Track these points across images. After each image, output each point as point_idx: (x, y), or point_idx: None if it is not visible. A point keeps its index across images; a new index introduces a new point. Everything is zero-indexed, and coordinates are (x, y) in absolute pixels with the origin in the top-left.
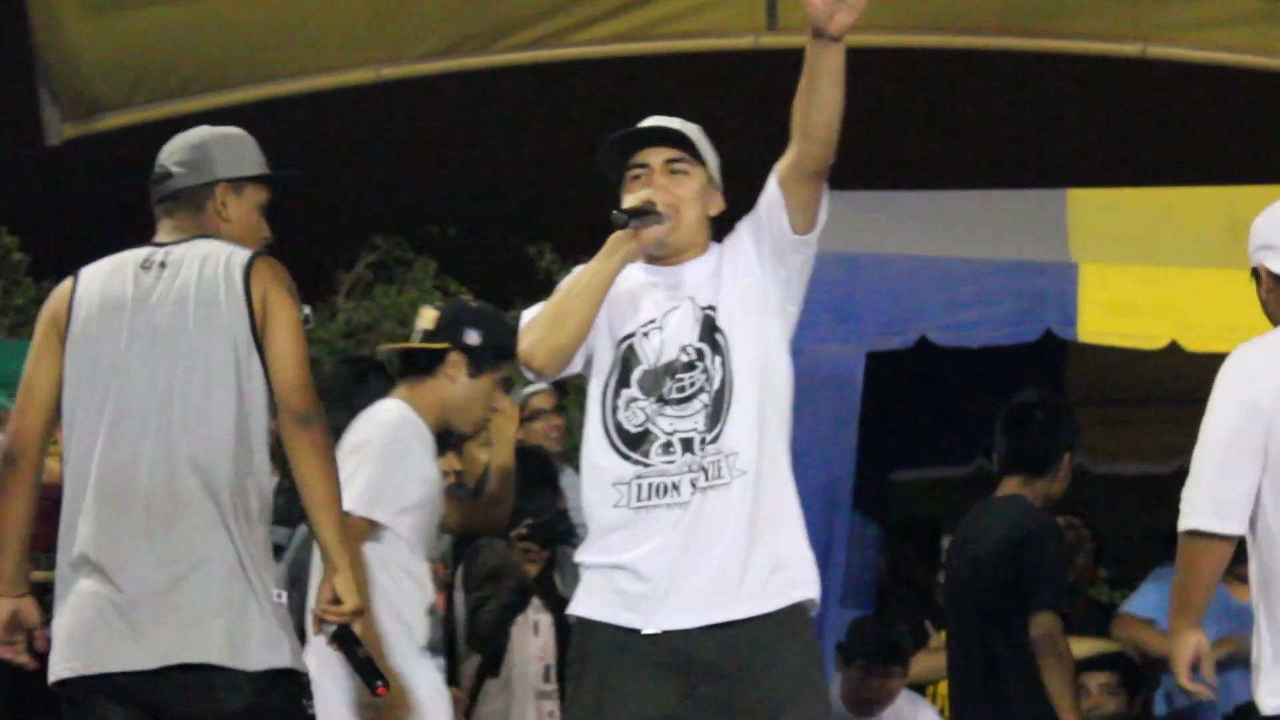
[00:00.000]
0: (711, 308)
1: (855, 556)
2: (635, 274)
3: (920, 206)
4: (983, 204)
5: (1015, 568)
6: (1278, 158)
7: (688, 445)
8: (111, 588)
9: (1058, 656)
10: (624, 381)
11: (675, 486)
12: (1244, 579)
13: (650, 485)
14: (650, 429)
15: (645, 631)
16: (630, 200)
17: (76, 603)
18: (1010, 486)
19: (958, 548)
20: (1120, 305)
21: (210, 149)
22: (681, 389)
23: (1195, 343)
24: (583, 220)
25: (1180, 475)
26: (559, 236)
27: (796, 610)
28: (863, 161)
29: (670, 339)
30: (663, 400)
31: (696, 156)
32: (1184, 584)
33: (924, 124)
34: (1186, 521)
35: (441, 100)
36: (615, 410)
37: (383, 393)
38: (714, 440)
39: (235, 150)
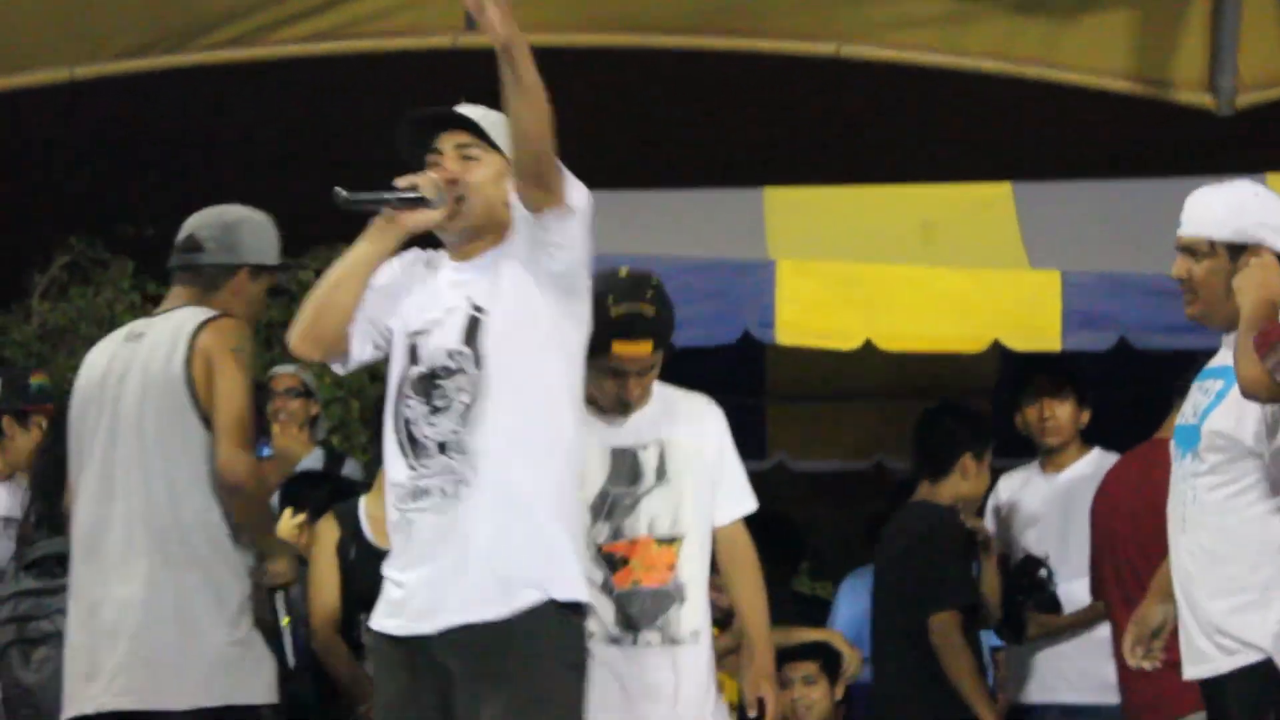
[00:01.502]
0: (480, 309)
1: None
2: (443, 268)
3: (617, 205)
4: (680, 203)
5: (913, 569)
6: (970, 158)
7: (443, 449)
8: None
9: (955, 654)
10: (405, 381)
11: (428, 491)
12: None
13: (415, 489)
14: (415, 432)
15: (398, 635)
16: (400, 184)
17: None
18: (921, 491)
19: (879, 551)
20: (817, 304)
21: (243, 232)
22: (443, 394)
23: (888, 341)
24: (287, 213)
25: (879, 470)
26: None
27: (538, 613)
28: (562, 161)
29: (440, 342)
30: (429, 404)
31: (490, 142)
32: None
33: (619, 124)
34: None
35: (138, 99)
36: (398, 411)
37: None
38: (464, 445)
39: (264, 237)
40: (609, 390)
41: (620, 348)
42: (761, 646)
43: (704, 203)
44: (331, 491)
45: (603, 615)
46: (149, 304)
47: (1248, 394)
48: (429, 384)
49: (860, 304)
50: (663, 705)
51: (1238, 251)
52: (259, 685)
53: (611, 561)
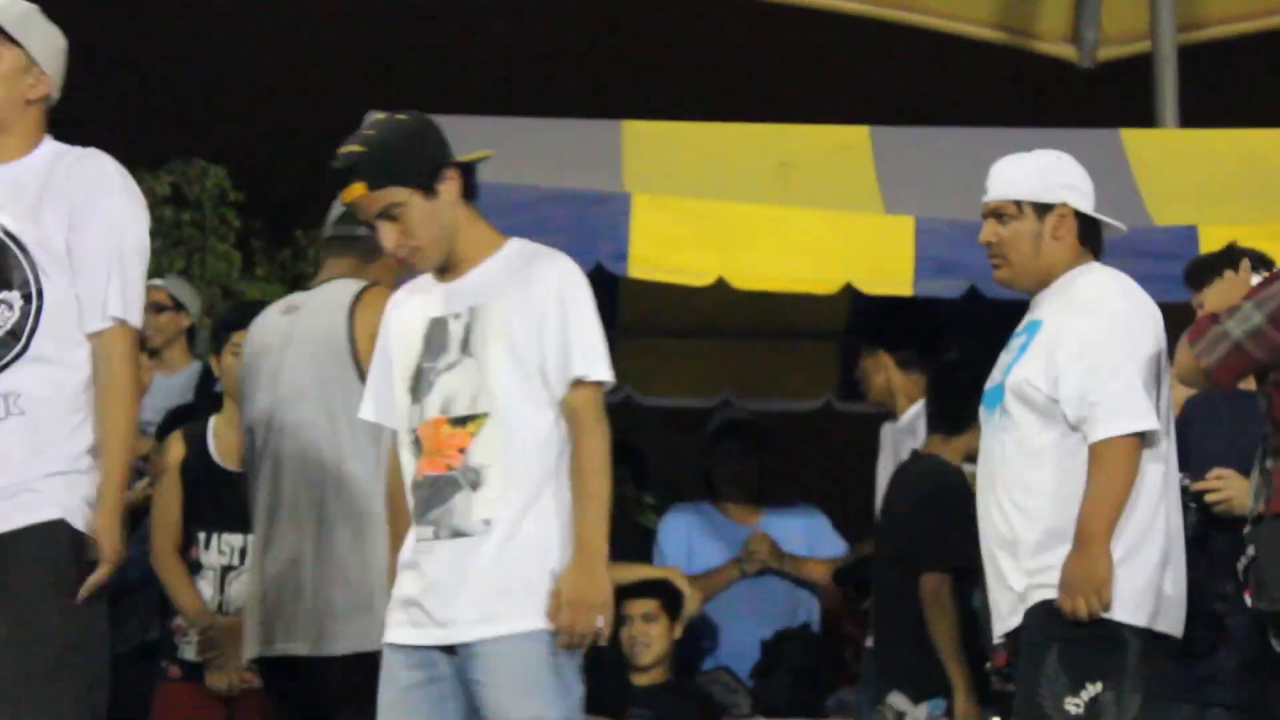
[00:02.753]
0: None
1: None
2: None
3: (475, 131)
4: (538, 131)
5: (914, 528)
6: (830, 98)
7: None
8: None
9: (940, 615)
10: None
11: None
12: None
13: None
14: None
15: None
16: None
17: None
18: (932, 444)
19: (884, 504)
20: (671, 239)
21: None
22: None
23: (741, 280)
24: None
25: (725, 407)
26: (112, 145)
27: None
28: (422, 83)
29: None
30: None
31: (7, 36)
32: (1121, 491)
33: (482, 53)
34: (1129, 424)
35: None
36: None
37: None
38: None
39: None
40: None
41: (343, 198)
42: (580, 563)
43: (562, 132)
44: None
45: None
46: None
47: (1183, 381)
48: None
49: (714, 241)
50: (439, 602)
51: (1044, 210)
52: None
53: (418, 447)
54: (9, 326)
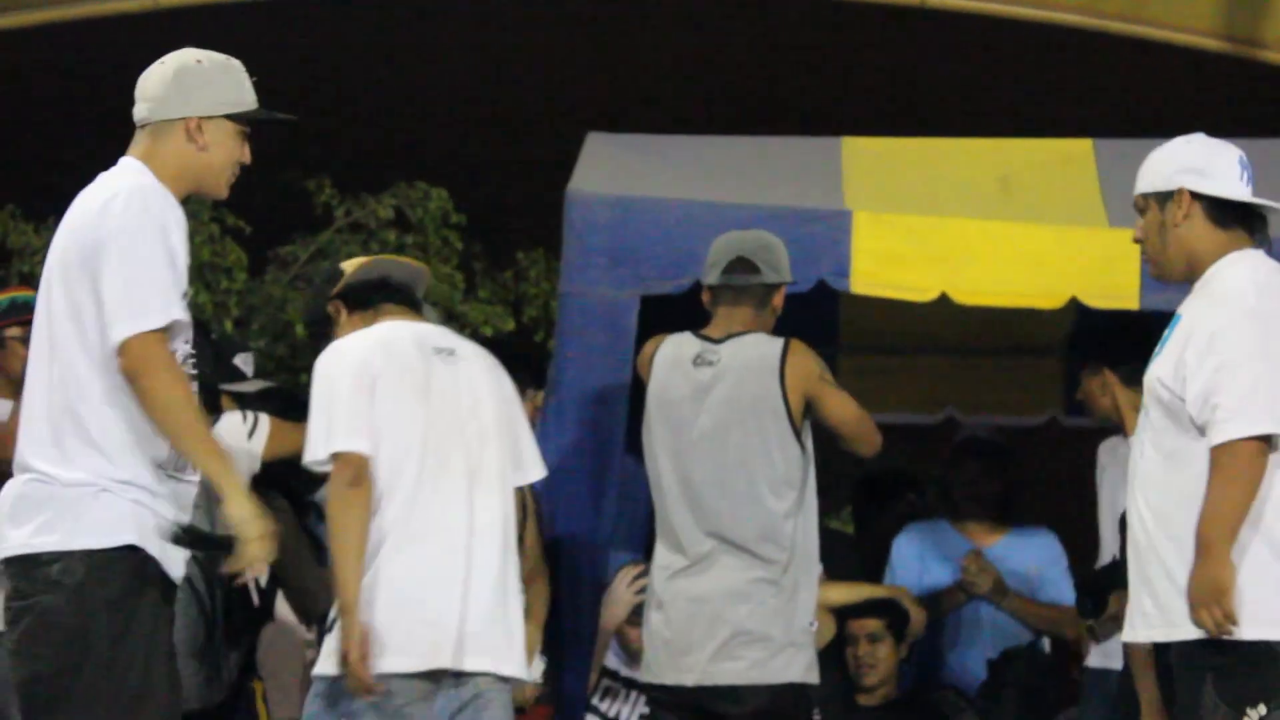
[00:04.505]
0: None
1: (627, 503)
2: None
3: (695, 151)
4: (758, 150)
5: None
6: (1050, 111)
7: None
8: None
9: None
10: None
11: None
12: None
13: None
14: None
15: None
16: None
17: None
18: None
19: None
20: (892, 256)
21: (782, 254)
22: None
23: (964, 295)
24: (360, 153)
25: (948, 425)
26: (337, 171)
27: None
28: (639, 104)
29: None
30: None
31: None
32: (1240, 499)
33: (698, 70)
34: (1249, 427)
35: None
36: None
37: None
38: None
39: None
40: None
41: None
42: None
43: (782, 151)
44: None
45: None
46: (228, 235)
47: None
48: None
49: (936, 256)
50: None
51: (1164, 199)
52: None
53: None
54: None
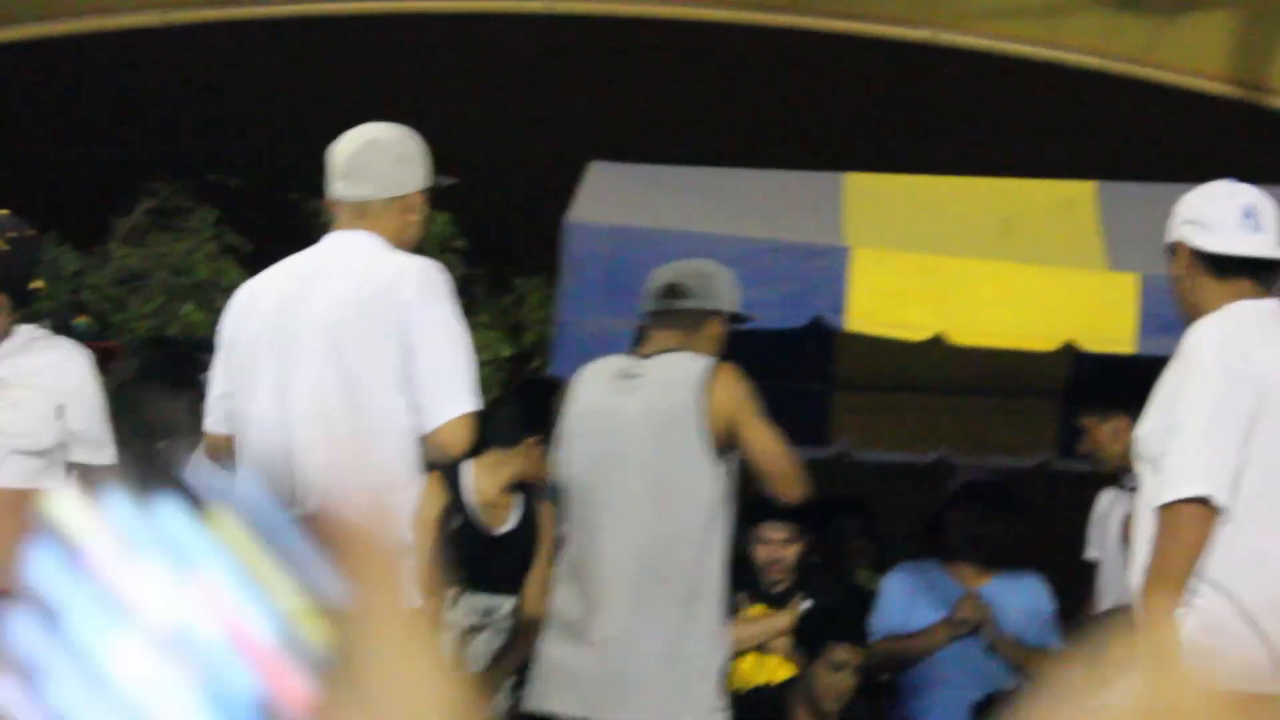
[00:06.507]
0: None
1: None
2: None
3: (694, 183)
4: (760, 183)
5: None
6: (1055, 152)
7: None
8: None
9: None
10: None
11: None
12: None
13: None
14: None
15: None
16: None
17: None
18: None
19: None
20: (889, 294)
21: (720, 283)
22: None
23: (960, 336)
24: None
25: (940, 466)
26: None
27: None
28: (637, 135)
29: None
30: None
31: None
32: (1176, 563)
33: (702, 101)
34: (1184, 488)
35: (227, 48)
36: None
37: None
38: None
39: (735, 290)
40: None
41: None
42: None
43: (785, 185)
44: None
45: None
46: (228, 254)
47: None
48: None
49: (933, 296)
50: None
51: (1172, 251)
52: None
53: None
54: None
